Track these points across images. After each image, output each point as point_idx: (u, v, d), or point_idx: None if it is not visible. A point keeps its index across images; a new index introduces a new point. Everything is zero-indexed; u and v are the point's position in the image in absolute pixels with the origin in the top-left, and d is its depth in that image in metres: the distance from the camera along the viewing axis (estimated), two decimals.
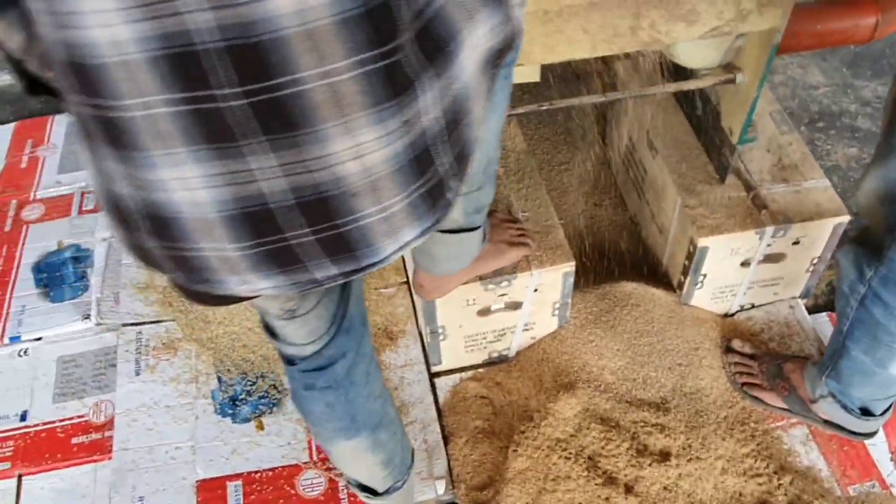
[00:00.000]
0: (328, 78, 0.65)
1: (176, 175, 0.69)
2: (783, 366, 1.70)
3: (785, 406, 1.69)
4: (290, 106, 0.66)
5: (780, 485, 1.60)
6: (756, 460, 1.63)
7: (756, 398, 1.71)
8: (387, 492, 1.44)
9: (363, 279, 1.16)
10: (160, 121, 0.66)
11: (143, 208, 0.73)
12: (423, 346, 1.81)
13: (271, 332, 1.19)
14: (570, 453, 1.60)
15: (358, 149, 0.69)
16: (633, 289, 1.83)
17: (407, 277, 1.93)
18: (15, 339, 1.89)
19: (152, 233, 0.75)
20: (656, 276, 1.90)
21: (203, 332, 1.84)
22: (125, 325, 1.88)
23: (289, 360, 1.22)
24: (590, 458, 1.61)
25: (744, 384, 1.72)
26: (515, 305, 1.67)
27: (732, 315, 1.87)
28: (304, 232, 0.73)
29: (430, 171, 0.76)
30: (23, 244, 2.08)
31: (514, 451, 1.62)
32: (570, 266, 1.63)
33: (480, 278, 1.58)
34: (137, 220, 0.75)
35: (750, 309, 1.87)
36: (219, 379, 1.79)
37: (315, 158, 0.68)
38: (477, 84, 0.78)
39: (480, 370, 1.79)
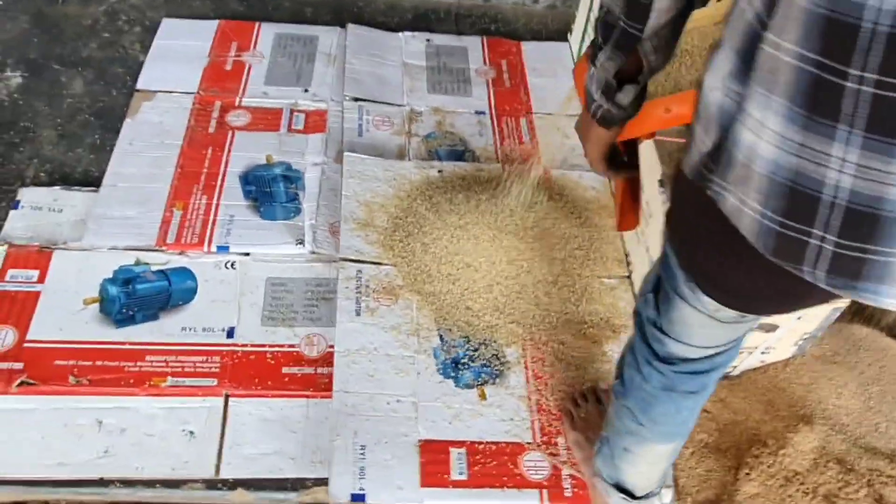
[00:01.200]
0: None
1: None
2: None
3: None
4: None
5: None
6: None
7: None
8: (645, 496, 1.35)
9: None
10: None
11: (848, 198, 0.65)
12: None
13: (666, 330, 1.06)
14: (808, 489, 1.49)
15: None
16: (867, 334, 1.72)
17: (629, 272, 1.78)
18: (223, 249, 1.70)
19: (837, 226, 0.67)
20: (879, 323, 1.79)
21: (425, 286, 1.67)
22: (344, 259, 1.70)
23: (665, 359, 1.10)
24: (825, 496, 1.49)
25: None
26: (771, 328, 1.54)
27: None
28: None
29: None
30: (228, 150, 1.88)
31: (747, 474, 1.50)
32: (844, 302, 1.50)
33: None
34: (824, 209, 0.66)
35: None
36: (440, 337, 1.62)
37: None
38: None
39: None
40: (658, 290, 1.06)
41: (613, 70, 0.91)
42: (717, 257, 0.87)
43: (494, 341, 1.64)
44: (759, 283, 0.84)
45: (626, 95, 0.94)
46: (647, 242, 1.69)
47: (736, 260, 0.81)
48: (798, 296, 0.83)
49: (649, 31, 0.84)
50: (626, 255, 1.80)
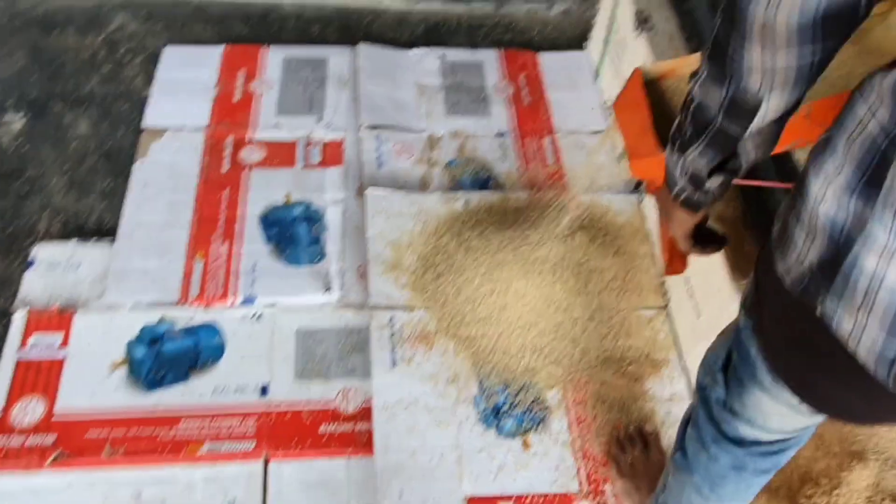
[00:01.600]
0: None
1: None
2: None
3: None
4: None
5: None
6: None
7: None
8: None
9: None
10: None
11: None
12: (689, 380, 1.62)
13: (738, 412, 0.99)
14: None
15: None
16: None
17: (666, 301, 1.71)
18: (249, 302, 1.63)
19: None
20: None
21: (460, 329, 1.61)
22: (375, 307, 1.63)
23: (734, 440, 1.03)
24: None
25: None
26: None
27: None
28: None
29: None
30: (245, 190, 1.79)
31: None
32: None
33: None
34: None
35: None
36: (479, 384, 1.57)
37: None
38: None
39: None
40: (727, 367, 1.00)
41: (706, 168, 0.83)
42: (817, 371, 0.80)
43: (534, 385, 1.58)
44: (862, 402, 0.78)
45: (714, 182, 0.85)
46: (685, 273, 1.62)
47: (840, 376, 0.75)
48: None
49: (752, 130, 0.75)
50: (662, 283, 1.74)
